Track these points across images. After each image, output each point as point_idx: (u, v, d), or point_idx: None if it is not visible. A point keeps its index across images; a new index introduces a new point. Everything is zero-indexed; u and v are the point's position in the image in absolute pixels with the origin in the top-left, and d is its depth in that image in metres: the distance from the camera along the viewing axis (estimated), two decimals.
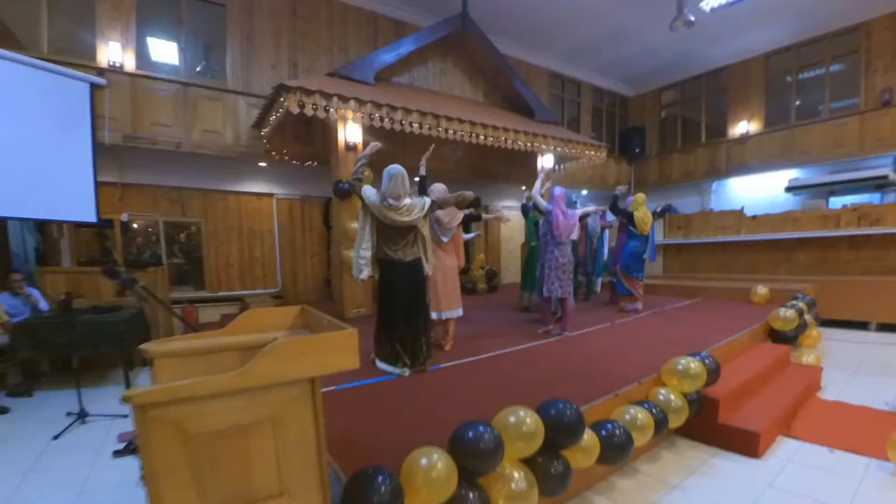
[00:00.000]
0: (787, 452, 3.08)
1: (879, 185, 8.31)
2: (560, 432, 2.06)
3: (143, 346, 1.87)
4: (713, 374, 3.08)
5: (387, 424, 2.32)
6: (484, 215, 4.81)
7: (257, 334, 1.98)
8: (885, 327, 6.42)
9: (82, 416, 3.84)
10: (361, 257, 3.24)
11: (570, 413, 2.10)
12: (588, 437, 2.27)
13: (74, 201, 5.52)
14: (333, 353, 1.40)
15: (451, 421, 2.33)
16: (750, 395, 3.56)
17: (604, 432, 2.40)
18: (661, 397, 2.92)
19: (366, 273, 3.24)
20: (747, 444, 3.01)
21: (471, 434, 1.83)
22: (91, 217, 5.67)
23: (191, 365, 1.89)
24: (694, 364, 3.00)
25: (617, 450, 2.38)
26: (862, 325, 6.60)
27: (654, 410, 2.75)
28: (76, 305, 5.12)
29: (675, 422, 2.89)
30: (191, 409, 1.32)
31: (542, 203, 4.44)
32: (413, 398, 2.74)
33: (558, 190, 4.49)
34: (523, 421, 1.98)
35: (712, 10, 7.94)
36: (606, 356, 3.65)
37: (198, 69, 6.64)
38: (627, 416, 2.60)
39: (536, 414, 2.07)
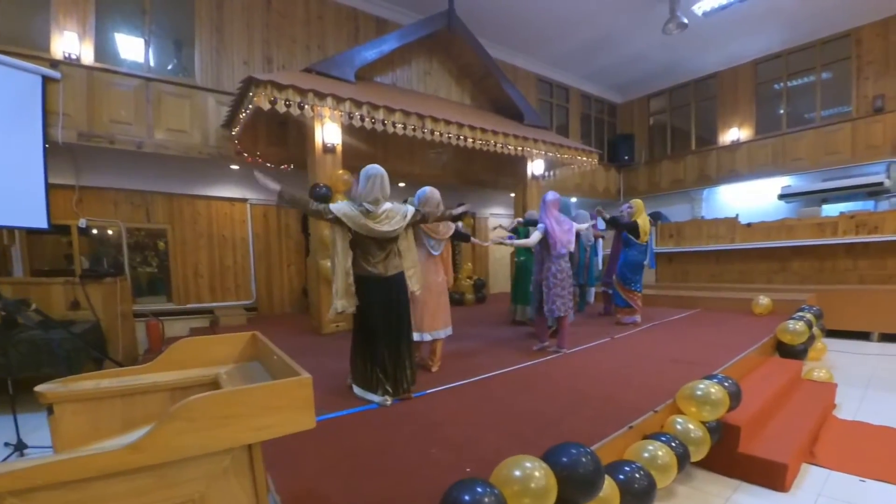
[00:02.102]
0: (815, 484, 2.74)
1: (873, 192, 8.18)
2: (575, 485, 1.67)
3: (38, 389, 1.45)
4: (735, 398, 2.73)
5: (364, 473, 1.91)
6: (473, 239, 4.25)
7: (195, 370, 1.56)
8: (886, 337, 6.21)
9: (20, 447, 3.35)
10: (335, 291, 2.81)
11: (587, 460, 1.72)
12: (606, 485, 1.88)
13: (23, 205, 4.98)
14: (279, 410, 0.99)
15: (442, 466, 1.94)
16: (768, 418, 3.23)
17: (621, 476, 2.02)
18: (678, 427, 2.55)
19: (336, 308, 2.80)
20: (773, 477, 2.66)
21: (466, 498, 1.43)
22: (42, 223, 5.14)
23: (103, 411, 1.47)
24: (714, 388, 2.65)
25: (639, 498, 2.00)
26: (863, 336, 6.38)
27: (673, 444, 2.38)
28: (23, 320, 4.62)
29: (697, 455, 2.52)
30: (68, 495, 0.90)
31: (537, 234, 4.04)
32: (396, 436, 2.33)
33: (550, 195, 4.13)
34: (530, 475, 1.59)
35: (704, 14, 7.77)
36: (611, 378, 3.29)
37: (164, 65, 6.15)
38: (646, 454, 2.23)
39: (545, 464, 1.67)
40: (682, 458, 2.35)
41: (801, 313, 4.98)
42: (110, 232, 6.21)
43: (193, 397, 0.91)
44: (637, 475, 2.03)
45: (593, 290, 6.95)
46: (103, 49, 5.51)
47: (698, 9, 7.71)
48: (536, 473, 1.59)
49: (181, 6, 5.92)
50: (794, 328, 4.49)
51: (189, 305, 6.58)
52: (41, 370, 4.10)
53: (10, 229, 5.44)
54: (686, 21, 7.06)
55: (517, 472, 1.59)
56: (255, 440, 1.00)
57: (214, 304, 6.73)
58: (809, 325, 4.63)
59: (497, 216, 10.42)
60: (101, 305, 5.11)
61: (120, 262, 6.22)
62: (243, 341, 1.64)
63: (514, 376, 3.44)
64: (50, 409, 1.44)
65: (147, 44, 5.74)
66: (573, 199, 11.45)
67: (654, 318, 5.89)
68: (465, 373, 3.48)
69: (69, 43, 5.19)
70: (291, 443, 2.12)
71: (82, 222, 5.86)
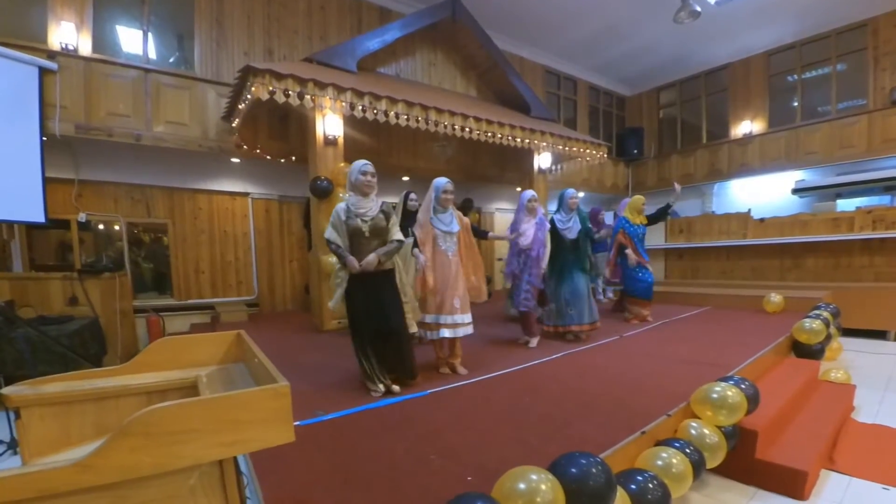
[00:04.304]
0: (835, 492, 2.60)
1: (889, 186, 7.95)
2: (585, 499, 1.54)
3: (4, 392, 1.34)
4: (752, 401, 2.59)
5: (359, 482, 1.79)
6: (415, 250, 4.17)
7: (173, 372, 1.45)
8: None
9: (14, 445, 3.28)
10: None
11: (597, 471, 1.59)
12: (617, 496, 1.75)
13: (19, 199, 4.92)
14: (251, 423, 0.86)
15: (441, 475, 1.82)
16: (786, 421, 3.08)
17: (634, 486, 1.88)
18: (693, 432, 2.41)
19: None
20: (792, 485, 2.52)
21: None
22: (39, 217, 5.07)
23: (73, 416, 1.36)
24: (731, 391, 2.51)
25: None
26: (879, 335, 6.20)
27: (688, 450, 2.24)
28: (21, 316, 4.56)
29: (712, 461, 2.39)
30: None
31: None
32: (393, 440, 2.21)
33: (528, 194, 4.17)
34: (536, 488, 1.45)
35: (717, 2, 7.55)
36: (620, 380, 3.15)
37: (163, 56, 6.04)
38: (659, 462, 2.09)
39: (552, 475, 1.54)
40: (698, 466, 2.22)
41: (817, 311, 4.81)
42: (116, 227, 6.12)
43: (148, 409, 0.79)
44: (650, 485, 1.89)
45: (601, 285, 6.85)
46: (101, 40, 5.40)
47: None
48: (543, 487, 1.46)
49: None
50: (811, 327, 4.33)
51: (190, 301, 6.50)
52: (37, 368, 4.03)
53: (9, 224, 5.38)
54: (698, 9, 6.86)
55: (522, 486, 1.46)
56: (225, 456, 0.89)
57: (215, 300, 6.64)
58: (826, 324, 4.46)
59: (503, 211, 10.28)
60: (100, 301, 5.05)
61: (120, 257, 6.15)
62: (227, 341, 1.53)
63: (518, 377, 3.31)
64: (17, 414, 1.34)
65: (146, 35, 5.62)
66: (581, 194, 11.26)
67: (663, 315, 5.73)
68: (467, 372, 3.36)
69: (66, 34, 5.08)
70: (283, 447, 2.01)
71: (82, 217, 5.79)
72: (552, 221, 4.36)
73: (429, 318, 3.32)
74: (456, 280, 3.34)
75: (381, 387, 2.88)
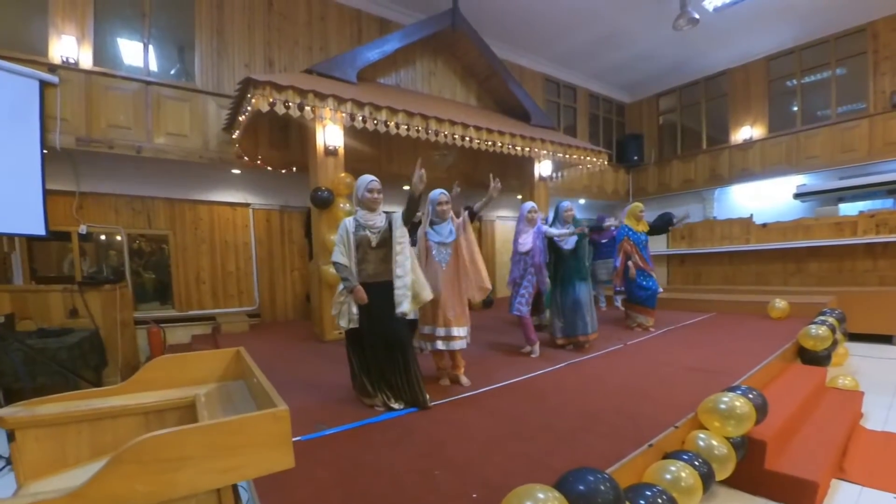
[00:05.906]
0: (846, 502, 2.57)
1: (892, 190, 7.91)
2: None
3: (0, 413, 1.32)
4: (761, 411, 2.55)
5: (359, 500, 1.75)
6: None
7: (171, 391, 1.42)
8: None
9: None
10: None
11: (606, 488, 1.55)
12: None
13: (20, 211, 4.91)
14: (249, 449, 0.83)
15: (444, 491, 1.79)
16: (794, 430, 3.04)
17: (643, 502, 1.84)
18: (701, 444, 2.38)
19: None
20: (802, 495, 2.48)
21: None
22: (39, 230, 5.06)
23: (69, 437, 1.33)
24: (740, 402, 2.47)
25: None
26: (884, 339, 6.15)
27: (696, 463, 2.20)
28: (21, 328, 4.56)
29: (721, 473, 2.35)
30: None
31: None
32: (396, 455, 2.17)
33: (527, 206, 4.33)
34: None
35: (715, 9, 7.57)
36: (625, 390, 3.11)
37: (164, 68, 6.05)
38: (668, 476, 2.05)
39: (559, 493, 1.51)
40: (707, 479, 2.18)
41: (822, 317, 4.77)
42: (118, 238, 6.11)
43: (142, 437, 0.76)
44: (659, 500, 1.85)
45: (601, 293, 6.82)
46: (102, 53, 5.42)
47: (709, 4, 7.51)
48: None
49: (181, 8, 5.81)
50: (817, 333, 4.28)
51: (191, 312, 6.47)
52: (36, 380, 4.01)
53: (10, 236, 5.37)
54: (697, 17, 6.88)
55: (528, 503, 1.42)
56: (222, 484, 0.85)
57: (217, 311, 6.61)
58: (832, 330, 4.42)
59: (503, 218, 10.25)
60: (101, 313, 5.03)
61: (121, 268, 6.13)
62: (227, 358, 1.50)
63: (521, 387, 3.27)
64: (11, 436, 1.31)
65: (146, 47, 5.64)
66: (582, 201, 11.25)
67: (667, 322, 5.69)
68: (470, 384, 3.33)
69: (67, 47, 5.10)
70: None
71: (83, 229, 5.78)
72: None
73: (426, 329, 3.30)
74: (450, 290, 3.29)
75: (379, 400, 2.84)
